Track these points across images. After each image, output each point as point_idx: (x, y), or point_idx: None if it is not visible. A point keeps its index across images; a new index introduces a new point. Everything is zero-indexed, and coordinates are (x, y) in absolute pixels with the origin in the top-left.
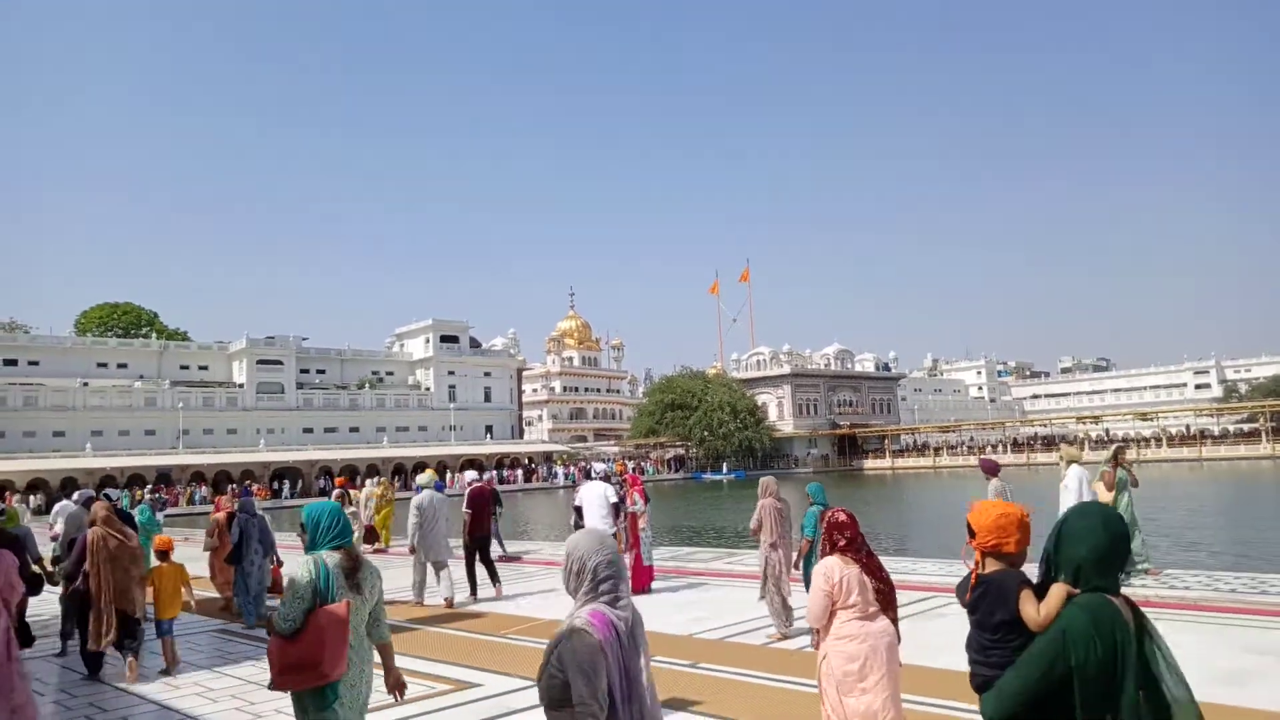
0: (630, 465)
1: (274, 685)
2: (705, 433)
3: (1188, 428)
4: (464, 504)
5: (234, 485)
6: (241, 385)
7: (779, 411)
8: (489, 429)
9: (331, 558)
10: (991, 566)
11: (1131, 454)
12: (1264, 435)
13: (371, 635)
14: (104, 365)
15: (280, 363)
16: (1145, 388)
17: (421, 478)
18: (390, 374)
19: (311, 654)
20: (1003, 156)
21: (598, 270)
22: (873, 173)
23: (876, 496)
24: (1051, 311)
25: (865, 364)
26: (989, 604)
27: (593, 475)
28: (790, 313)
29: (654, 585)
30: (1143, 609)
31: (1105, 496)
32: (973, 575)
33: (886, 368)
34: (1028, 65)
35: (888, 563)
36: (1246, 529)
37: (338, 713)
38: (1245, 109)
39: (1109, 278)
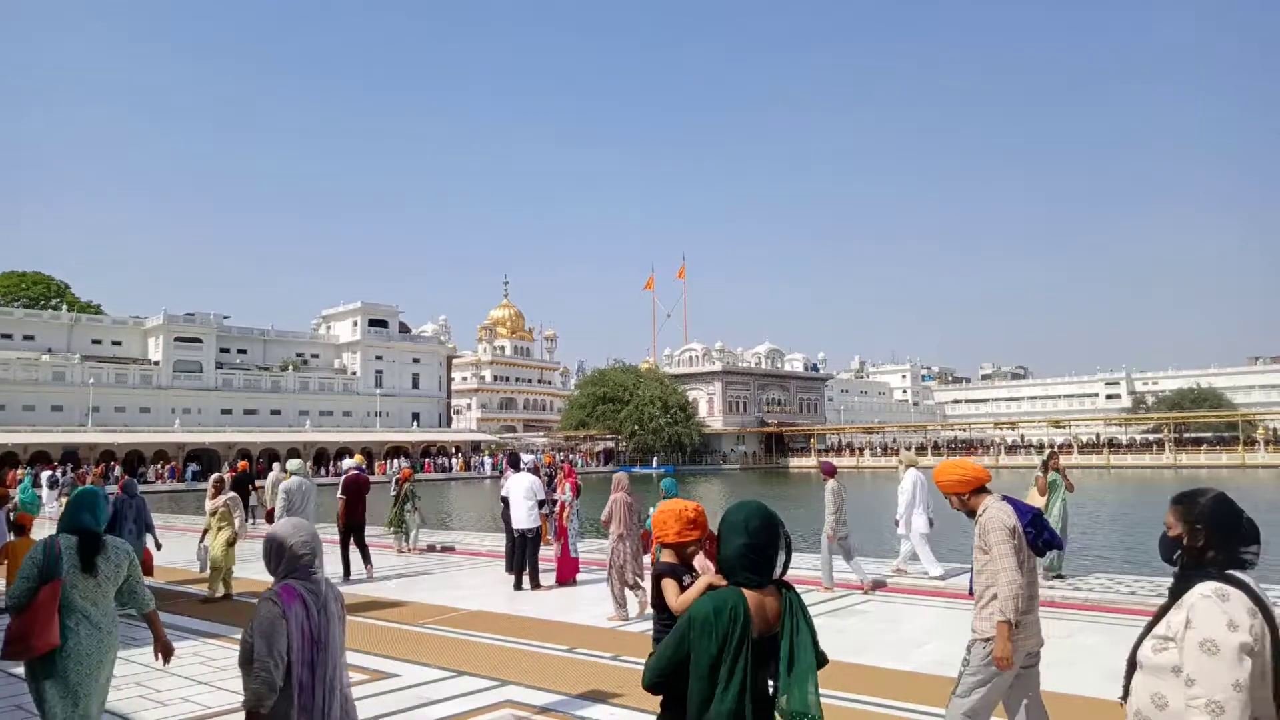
0: (560, 456)
1: (3, 656)
2: (636, 427)
3: (1098, 436)
4: (339, 490)
5: (145, 467)
6: (157, 363)
7: (709, 408)
8: (416, 416)
9: (67, 540)
10: (665, 556)
11: (1063, 460)
12: (1167, 445)
13: (131, 606)
14: (8, 336)
15: (199, 341)
16: (1059, 396)
17: (292, 464)
18: (315, 357)
19: (24, 628)
20: (936, 167)
21: (533, 260)
22: (811, 177)
23: (801, 494)
24: (975, 319)
25: (795, 364)
26: (655, 589)
27: (521, 466)
28: (724, 311)
29: (579, 577)
30: (805, 606)
31: (1037, 501)
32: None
33: (815, 368)
34: (978, 71)
35: (805, 559)
36: (1146, 535)
37: (64, 679)
38: (1170, 132)
39: (1031, 289)
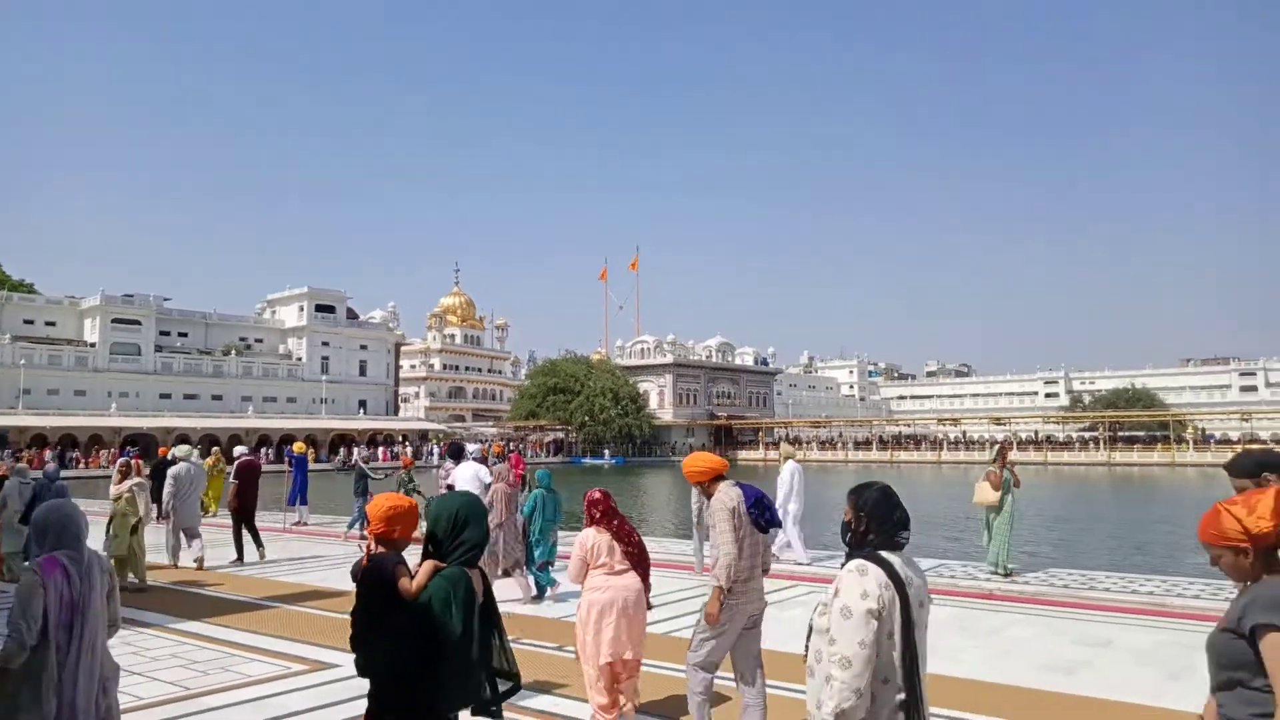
0: (508, 446)
1: None
2: (586, 418)
3: (1036, 433)
4: (232, 475)
5: (78, 451)
6: (93, 345)
7: (660, 400)
8: (363, 404)
9: None
10: (380, 549)
11: (1011, 455)
12: (1102, 444)
13: None
14: None
15: (138, 323)
16: (1001, 394)
17: (179, 450)
18: (259, 341)
19: None
20: (890, 165)
21: (486, 249)
22: (766, 172)
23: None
24: (922, 317)
25: (745, 358)
26: (376, 580)
27: (466, 455)
28: (676, 304)
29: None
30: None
31: (991, 497)
32: (364, 557)
33: (765, 362)
34: (939, 60)
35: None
36: (1079, 530)
37: None
38: (1118, 137)
39: (975, 289)
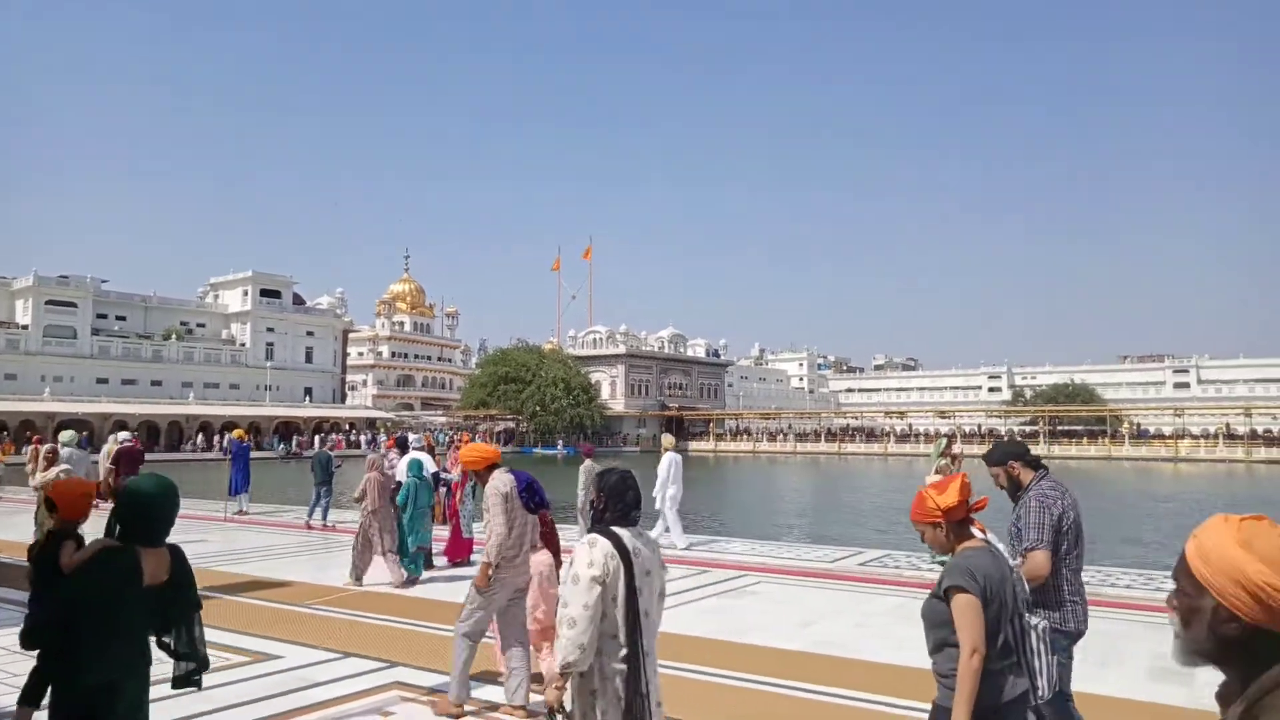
0: (458, 438)
1: None
2: (537, 408)
3: (979, 426)
4: (109, 461)
5: (8, 437)
6: (26, 327)
7: (611, 390)
8: (308, 391)
9: None
10: (55, 524)
11: (957, 448)
12: (1042, 437)
13: None
14: None
15: (74, 305)
16: (946, 388)
17: (64, 435)
18: (201, 326)
19: None
20: (840, 159)
21: (436, 235)
22: (719, 163)
23: (697, 478)
24: (870, 312)
25: (697, 349)
26: (46, 555)
27: (410, 446)
28: (629, 294)
29: (473, 558)
30: None
31: None
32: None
33: (716, 354)
34: (896, 52)
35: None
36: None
37: None
38: (1048, 135)
39: (923, 285)
